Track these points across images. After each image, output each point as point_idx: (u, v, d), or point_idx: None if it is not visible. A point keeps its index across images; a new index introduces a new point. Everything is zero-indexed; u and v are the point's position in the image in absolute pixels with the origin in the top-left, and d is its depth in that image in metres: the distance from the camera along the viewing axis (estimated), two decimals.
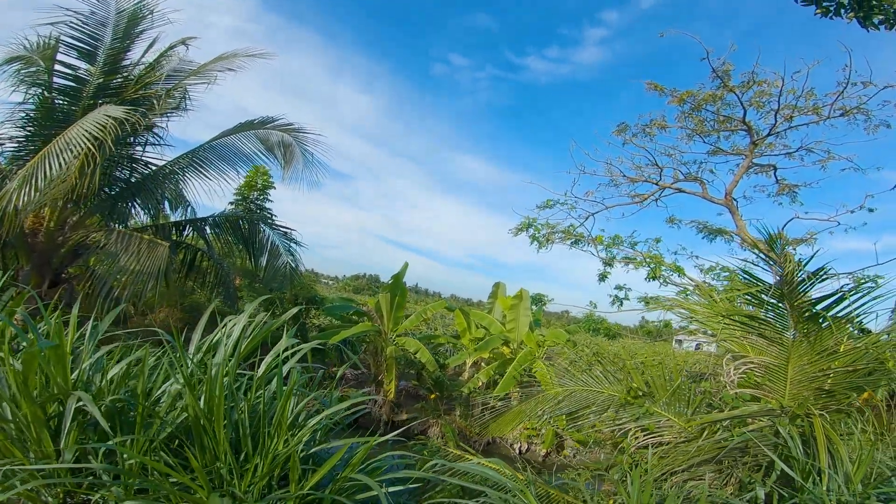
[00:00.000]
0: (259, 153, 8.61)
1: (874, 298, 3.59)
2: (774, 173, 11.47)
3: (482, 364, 13.59)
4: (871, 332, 4.08)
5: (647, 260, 11.04)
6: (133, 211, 8.35)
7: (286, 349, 3.44)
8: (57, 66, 7.37)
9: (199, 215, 8.97)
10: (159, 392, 2.84)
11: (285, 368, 3.22)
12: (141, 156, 8.20)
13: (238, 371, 3.14)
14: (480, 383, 11.84)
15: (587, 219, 12.21)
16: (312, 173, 8.58)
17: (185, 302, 11.24)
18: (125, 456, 2.64)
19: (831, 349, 3.69)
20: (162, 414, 2.66)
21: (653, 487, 2.74)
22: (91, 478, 2.54)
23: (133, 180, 8.16)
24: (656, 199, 12.28)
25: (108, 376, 2.96)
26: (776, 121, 10.16)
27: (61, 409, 2.73)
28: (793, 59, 12.75)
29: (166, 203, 8.50)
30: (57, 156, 5.43)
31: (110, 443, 2.47)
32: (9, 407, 2.66)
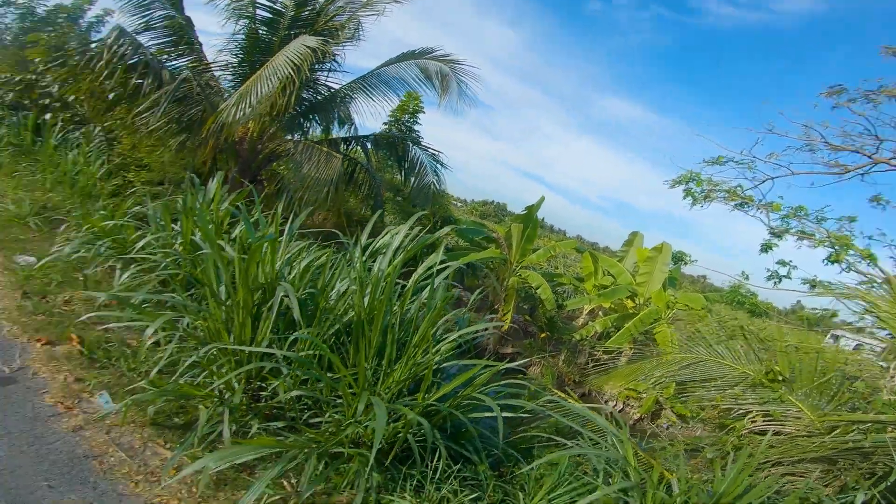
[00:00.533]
0: (418, 80, 9.31)
1: None
2: None
3: (599, 313, 13.42)
4: None
5: (833, 240, 9.40)
6: (310, 127, 9.90)
7: (432, 266, 3.89)
8: (260, 0, 8.42)
9: (360, 133, 10.19)
10: (333, 291, 3.54)
11: (434, 284, 3.63)
12: (324, 80, 9.37)
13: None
14: (594, 332, 11.81)
15: (763, 182, 10.75)
16: (464, 103, 9.12)
17: (340, 207, 12.78)
18: (301, 347, 3.32)
19: None
20: (336, 311, 3.34)
21: (748, 474, 2.74)
22: (273, 363, 3.15)
23: (314, 101, 9.45)
24: (863, 174, 10.21)
25: (295, 271, 3.76)
26: None
27: (261, 298, 3.51)
28: None
29: (336, 121, 9.74)
30: (266, 79, 6.45)
31: (299, 333, 3.17)
32: (225, 291, 3.53)
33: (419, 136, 12.65)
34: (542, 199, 13.63)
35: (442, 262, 3.70)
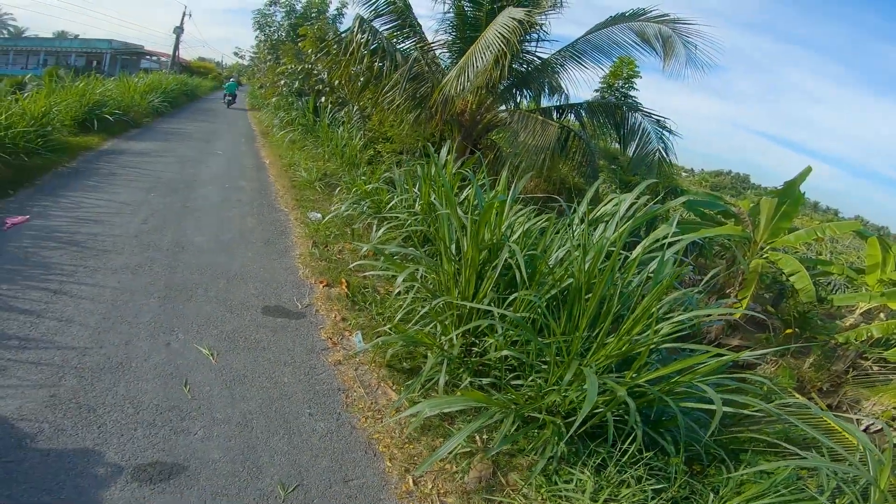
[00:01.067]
0: (634, 45, 8.57)
1: None
2: None
3: (880, 315, 10.26)
4: None
5: None
6: (521, 97, 10.07)
7: (660, 238, 3.59)
8: None
9: (572, 101, 9.94)
10: (552, 255, 3.61)
11: (665, 257, 3.35)
12: (534, 51, 9.38)
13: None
14: (867, 337, 9.08)
15: None
16: (694, 67, 8.03)
17: (552, 175, 12.76)
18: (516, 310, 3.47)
19: None
20: (554, 276, 3.41)
21: None
22: (489, 321, 3.34)
23: (525, 71, 9.54)
24: None
25: (516, 234, 3.96)
26: None
27: (485, 258, 3.81)
28: None
29: (547, 90, 9.68)
30: (480, 54, 6.78)
31: (518, 294, 3.37)
32: (456, 248, 3.93)
33: (637, 102, 11.60)
34: (809, 169, 10.92)
35: (673, 234, 3.37)
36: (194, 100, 26.22)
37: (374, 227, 5.89)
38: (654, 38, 8.29)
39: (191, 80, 29.81)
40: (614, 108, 9.85)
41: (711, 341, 11.20)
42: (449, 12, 9.46)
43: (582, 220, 3.82)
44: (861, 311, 10.70)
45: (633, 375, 2.97)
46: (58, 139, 8.60)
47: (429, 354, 3.47)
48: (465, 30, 9.21)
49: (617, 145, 11.10)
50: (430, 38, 9.74)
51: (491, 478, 2.84)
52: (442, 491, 2.76)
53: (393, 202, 5.85)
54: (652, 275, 3.24)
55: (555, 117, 9.90)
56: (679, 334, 3.41)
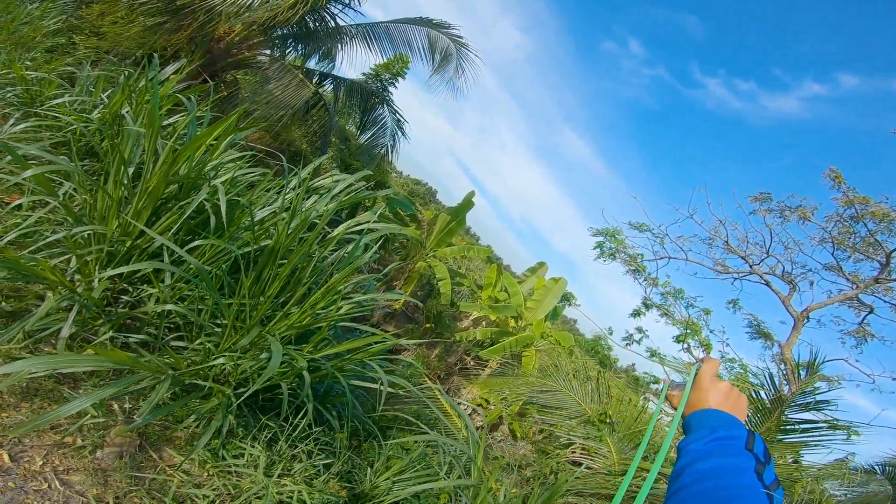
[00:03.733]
0: (421, 49, 9.23)
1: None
2: (866, 316, 10.76)
3: (483, 323, 14.23)
4: None
5: (687, 324, 11.17)
6: (293, 50, 9.43)
7: (363, 223, 3.87)
8: None
9: (337, 73, 9.91)
10: (257, 211, 3.39)
11: (361, 241, 3.57)
12: (336, 14, 8.84)
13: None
14: (473, 338, 12.52)
15: (662, 258, 12.34)
16: (449, 87, 9.30)
17: (282, 134, 12.24)
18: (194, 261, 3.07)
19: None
20: (254, 233, 3.20)
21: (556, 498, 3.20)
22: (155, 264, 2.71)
23: (313, 27, 8.92)
24: (736, 279, 11.89)
25: (223, 178, 3.55)
26: None
27: (172, 194, 3.20)
28: None
29: (319, 54, 9.46)
30: None
31: (212, 240, 2.99)
32: (135, 173, 3.14)
33: (390, 98, 12.57)
34: (472, 194, 14.04)
35: (374, 223, 3.74)
36: None
37: (14, 119, 4.13)
38: (439, 50, 9.04)
39: None
40: (370, 95, 10.22)
41: (374, 325, 13.00)
42: None
43: (298, 186, 3.77)
44: (473, 317, 14.59)
45: (311, 349, 3.00)
46: None
47: (49, 295, 2.61)
48: None
49: (353, 129, 11.57)
50: None
51: (137, 453, 2.42)
52: (61, 468, 2.15)
53: (62, 100, 4.25)
54: (347, 255, 3.48)
55: (315, 82, 9.61)
56: (354, 315, 3.79)
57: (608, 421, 4.44)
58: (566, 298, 15.10)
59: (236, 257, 3.05)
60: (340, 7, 8.82)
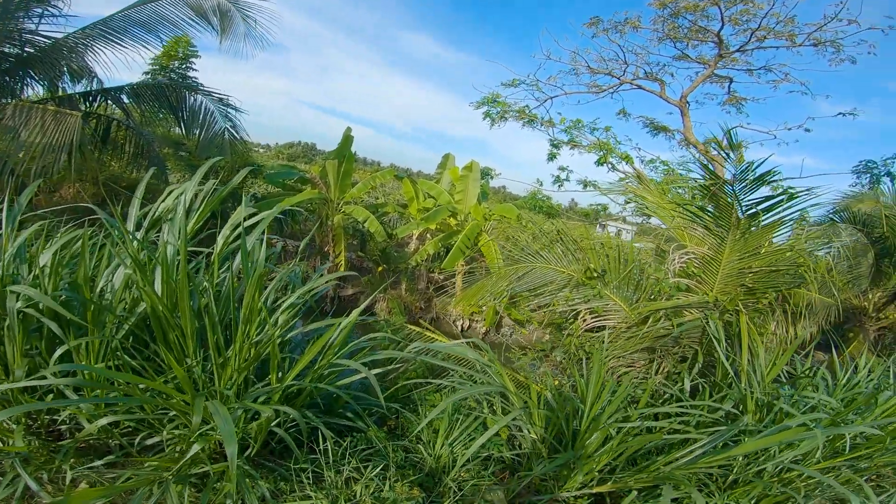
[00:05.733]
0: (189, 20, 7.69)
1: (801, 209, 3.91)
2: (729, 85, 12.54)
3: (427, 236, 13.86)
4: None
5: (600, 146, 11.43)
6: (25, 85, 7.51)
7: (240, 223, 3.11)
8: None
9: (110, 86, 8.21)
10: (104, 281, 2.54)
11: (248, 243, 2.90)
12: (35, 28, 7.16)
13: (188, 249, 2.79)
14: (427, 255, 12.18)
15: (545, 101, 12.54)
16: (252, 44, 8.00)
17: (100, 176, 10.39)
18: (84, 364, 2.39)
19: (756, 249, 4.01)
20: (116, 308, 2.40)
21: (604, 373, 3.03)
22: (51, 395, 2.33)
23: (26, 55, 7.23)
24: (612, 92, 12.85)
25: (40, 265, 2.58)
26: (749, 39, 10.88)
27: None
28: None
29: (67, 75, 7.61)
30: None
31: (66, 347, 2.21)
32: None
33: (197, 82, 10.62)
34: (349, 130, 13.00)
35: (252, 215, 2.98)
36: None
37: None
38: (211, 12, 7.60)
39: None
40: (167, 90, 8.63)
41: (332, 298, 12.24)
42: None
43: (138, 227, 2.89)
44: (416, 236, 14.13)
45: (279, 377, 2.61)
46: None
47: None
48: None
49: (174, 128, 9.90)
50: None
51: None
52: None
53: None
54: (243, 268, 2.76)
55: (85, 106, 8.03)
56: (304, 309, 3.21)
57: (595, 275, 4.26)
58: (487, 175, 14.86)
59: (132, 332, 2.38)
60: (36, 21, 7.13)
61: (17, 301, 2.13)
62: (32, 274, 2.50)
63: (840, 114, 11.20)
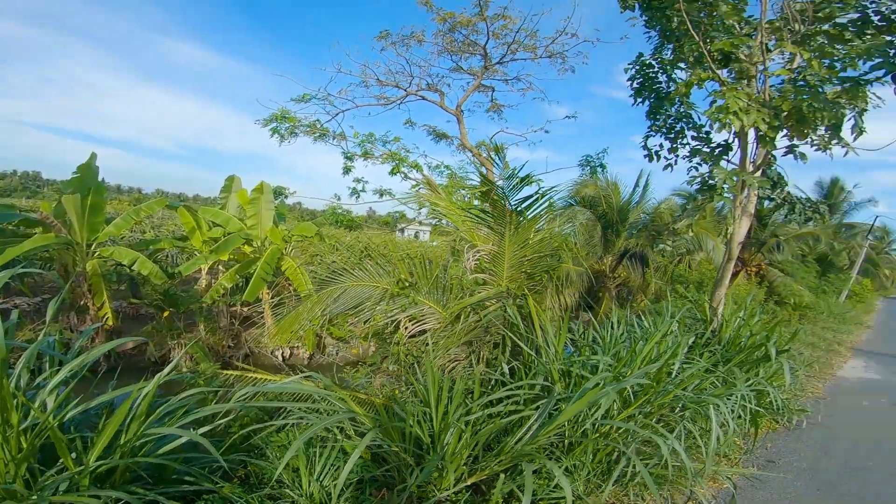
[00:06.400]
0: None
1: (550, 200, 4.92)
2: (492, 94, 14.70)
3: (220, 268, 12.40)
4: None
5: (392, 157, 12.04)
6: None
7: None
8: None
9: None
10: None
11: None
12: None
13: None
14: (224, 290, 10.85)
15: (337, 115, 12.64)
16: None
17: None
18: None
19: (526, 240, 4.86)
20: None
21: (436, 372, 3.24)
22: None
23: None
24: (400, 103, 13.81)
25: None
26: (506, 52, 12.86)
27: None
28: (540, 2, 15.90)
29: None
30: None
31: None
32: None
33: None
34: (94, 155, 10.65)
35: None
36: None
37: None
38: None
39: None
40: None
41: (107, 356, 9.69)
42: None
43: None
44: (206, 270, 12.40)
45: (77, 463, 2.25)
46: None
47: None
48: None
49: None
50: None
51: None
52: None
53: None
54: None
55: None
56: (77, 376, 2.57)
57: (408, 284, 4.49)
58: (280, 194, 14.04)
59: None
60: None
61: None
62: None
63: (567, 117, 14.51)
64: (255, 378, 4.01)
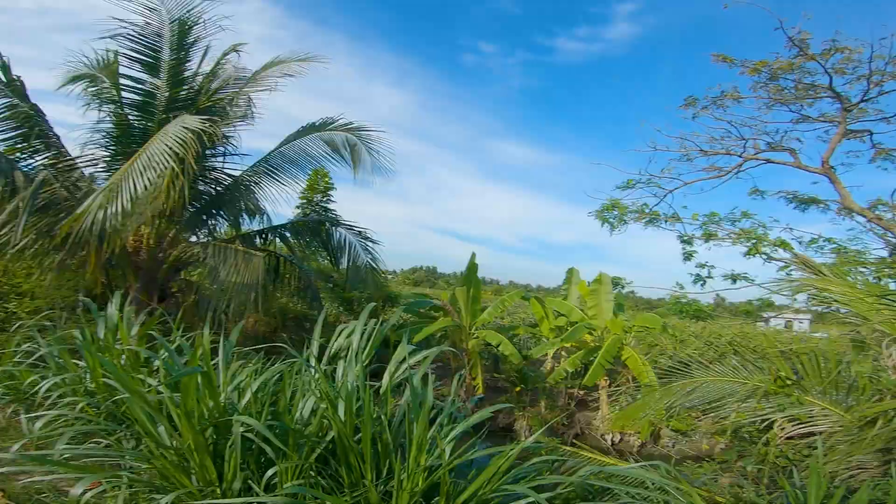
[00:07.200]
0: (326, 155, 8.63)
1: None
2: (870, 138, 10.70)
3: (563, 353, 13.27)
4: None
5: (747, 236, 10.30)
6: (216, 223, 8.74)
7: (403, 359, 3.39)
8: (123, 81, 7.40)
9: (275, 222, 9.15)
10: (299, 412, 2.87)
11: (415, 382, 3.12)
12: (221, 167, 8.41)
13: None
14: (566, 373, 11.53)
15: (666, 196, 11.79)
16: (378, 173, 8.60)
17: (271, 307, 11.66)
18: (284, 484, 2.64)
19: None
20: (314, 433, 2.68)
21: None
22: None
23: (215, 193, 8.39)
24: (737, 172, 11.67)
25: (246, 396, 3.03)
26: (868, 86, 9.54)
27: (214, 437, 2.80)
28: (869, 26, 11.74)
29: (244, 213, 8.67)
30: (140, 173, 5.40)
31: (281, 466, 2.48)
32: (167, 434, 2.77)
33: (337, 215, 12.10)
34: (474, 255, 13.61)
35: (413, 351, 3.26)
36: None
37: (25, 419, 3.67)
38: (342, 146, 8.35)
39: None
40: (319, 226, 9.44)
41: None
42: (105, 121, 7.52)
43: (319, 359, 3.31)
44: (550, 355, 13.61)
45: (445, 502, 2.62)
46: None
47: None
48: (130, 143, 7.31)
49: (326, 262, 10.52)
50: (75, 152, 7.45)
51: None
52: None
53: (45, 386, 3.82)
54: (410, 401, 2.97)
55: (258, 243, 8.85)
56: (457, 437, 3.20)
57: (789, 382, 3.63)
58: (616, 284, 14.24)
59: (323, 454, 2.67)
60: (220, 160, 8.23)
61: (240, 428, 2.48)
62: (244, 402, 2.91)
63: None
64: (588, 457, 4.01)
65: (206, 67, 7.84)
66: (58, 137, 7.34)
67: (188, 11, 7.15)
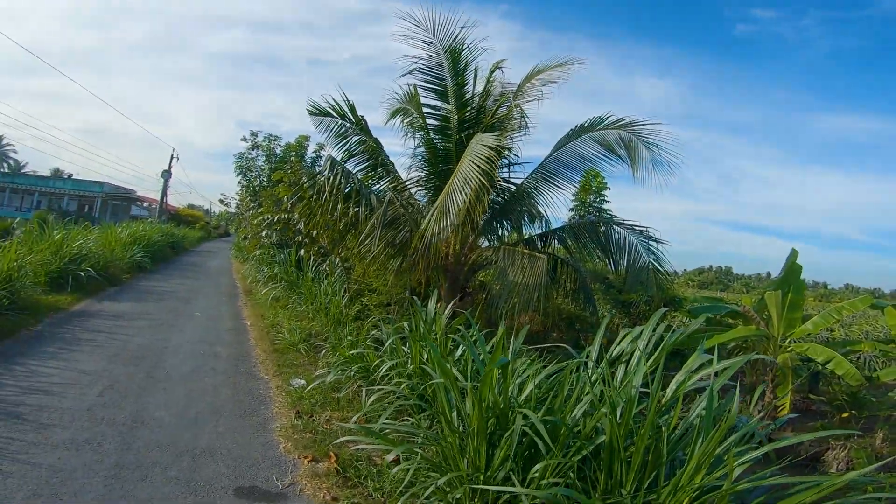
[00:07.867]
0: (599, 155, 8.50)
1: None
2: None
3: None
4: None
5: None
6: (502, 228, 9.58)
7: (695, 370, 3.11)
8: (425, 110, 8.70)
9: (553, 226, 9.42)
10: (573, 411, 3.01)
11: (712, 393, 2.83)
12: (508, 177, 9.11)
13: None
14: None
15: None
16: (661, 166, 7.80)
17: (547, 307, 12.18)
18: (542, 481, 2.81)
19: None
20: (585, 434, 2.79)
21: None
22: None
23: (502, 201, 9.20)
24: None
25: (526, 391, 3.37)
26: None
27: (494, 425, 3.15)
28: None
29: (526, 217, 9.24)
30: (460, 190, 6.38)
31: (540, 465, 2.72)
32: (458, 418, 3.35)
33: (613, 215, 11.40)
34: (795, 252, 10.80)
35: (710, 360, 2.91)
36: (181, 252, 24.84)
37: (364, 393, 5.21)
38: (616, 144, 8.13)
39: (177, 230, 28.84)
40: (596, 227, 9.34)
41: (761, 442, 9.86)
42: (420, 146, 9.15)
43: (598, 362, 3.34)
44: None
45: None
46: (27, 298, 7.99)
47: None
48: (438, 163, 8.82)
49: (601, 263, 10.21)
50: (403, 176, 9.35)
51: None
52: None
53: (382, 369, 5.26)
54: (704, 414, 2.68)
55: (539, 246, 9.32)
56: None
57: None
58: None
59: (586, 457, 2.78)
60: (505, 170, 8.79)
61: (521, 421, 2.81)
62: (523, 396, 3.25)
63: None
64: None
65: (479, 87, 8.67)
66: (392, 164, 9.35)
67: (453, 40, 8.09)
